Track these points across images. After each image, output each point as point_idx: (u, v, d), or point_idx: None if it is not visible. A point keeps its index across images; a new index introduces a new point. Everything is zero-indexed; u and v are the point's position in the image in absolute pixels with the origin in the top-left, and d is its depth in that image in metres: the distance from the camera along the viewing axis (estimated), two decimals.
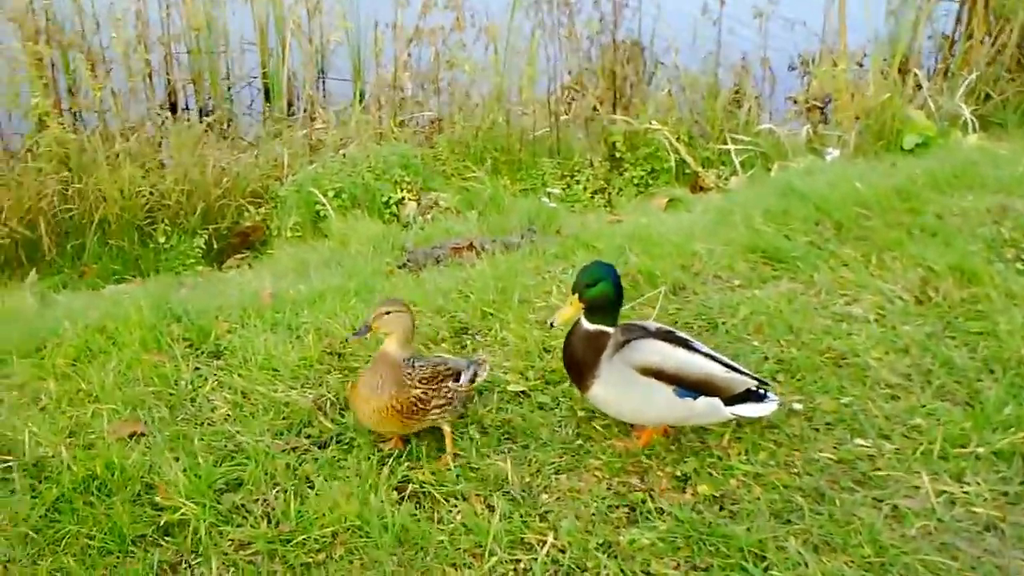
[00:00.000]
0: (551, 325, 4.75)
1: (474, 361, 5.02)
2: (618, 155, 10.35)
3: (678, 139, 10.26)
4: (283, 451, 4.81)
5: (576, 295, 4.60)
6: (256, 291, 6.36)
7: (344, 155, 9.85)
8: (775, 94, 12.35)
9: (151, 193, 9.40)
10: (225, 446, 4.87)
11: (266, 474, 4.65)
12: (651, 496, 4.55)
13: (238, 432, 4.95)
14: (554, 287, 6.15)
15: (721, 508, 4.49)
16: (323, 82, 12.85)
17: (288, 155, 10.14)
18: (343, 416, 5.06)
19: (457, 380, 4.81)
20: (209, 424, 5.06)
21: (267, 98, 12.45)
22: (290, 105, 12.16)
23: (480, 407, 5.07)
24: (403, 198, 9.36)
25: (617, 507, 4.50)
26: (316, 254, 7.93)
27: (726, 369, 4.66)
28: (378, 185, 9.36)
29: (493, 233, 7.90)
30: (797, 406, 5.05)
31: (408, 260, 7.24)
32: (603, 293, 4.59)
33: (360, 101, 11.42)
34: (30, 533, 4.37)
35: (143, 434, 4.96)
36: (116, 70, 11.15)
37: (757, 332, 5.69)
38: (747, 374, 4.71)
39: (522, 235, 7.46)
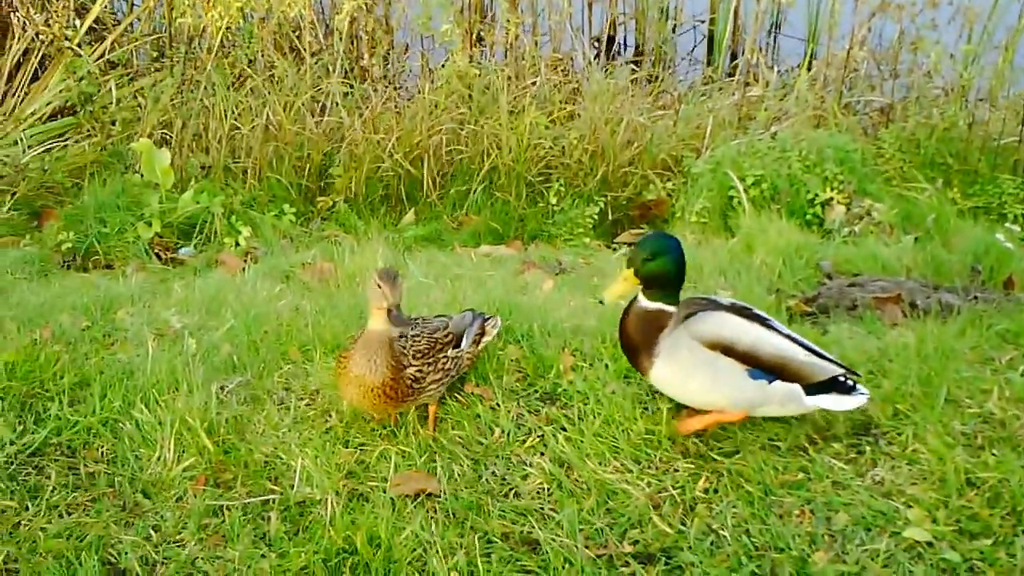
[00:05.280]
0: (601, 302, 4.28)
1: (479, 315, 4.56)
2: None
3: None
4: (593, 561, 3.71)
5: (631, 270, 4.11)
6: (619, 310, 5.23)
7: (774, 135, 8.51)
8: None
9: (551, 147, 8.42)
10: (524, 534, 3.82)
11: None
12: None
13: (544, 518, 3.89)
14: (995, 388, 4.67)
15: None
16: (775, 38, 11.54)
17: (713, 123, 8.89)
18: (685, 523, 3.90)
19: (458, 345, 4.33)
20: (515, 496, 4.03)
21: (710, 47, 11.27)
22: (734, 57, 10.91)
23: (860, 553, 3.75)
24: (831, 199, 7.96)
25: None
26: (714, 256, 6.73)
27: (808, 353, 4.12)
28: (805, 179, 7.99)
29: (929, 268, 6.44)
30: None
31: (820, 294, 5.93)
32: (663, 269, 4.09)
33: (808, 67, 10.01)
34: None
35: (433, 495, 3.98)
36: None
37: None
38: (833, 360, 4.16)
39: (963, 288, 5.96)
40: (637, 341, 4.14)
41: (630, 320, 4.18)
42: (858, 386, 4.19)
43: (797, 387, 4.09)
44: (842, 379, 4.16)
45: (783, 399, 4.12)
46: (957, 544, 3.79)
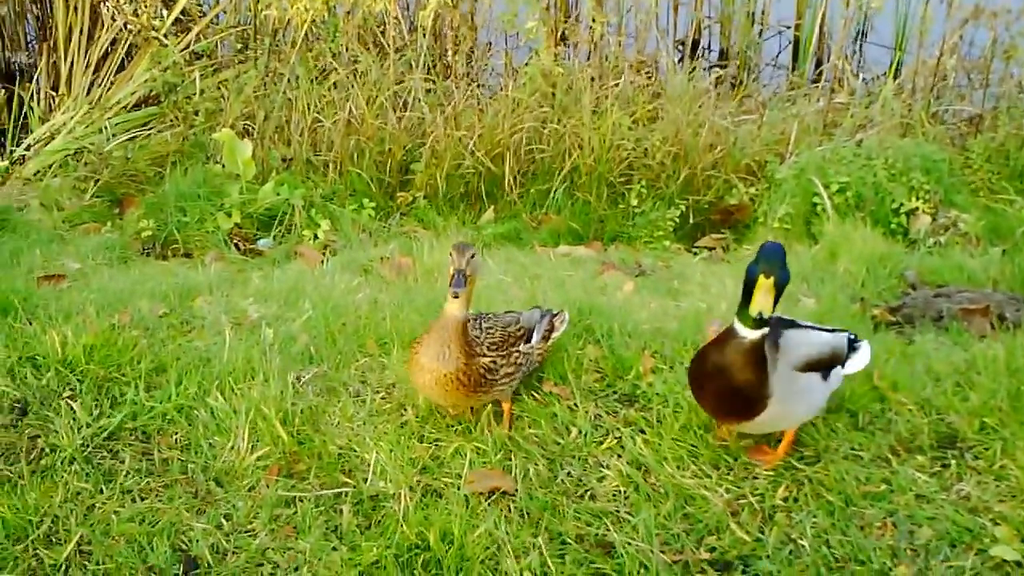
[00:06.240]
0: (760, 317, 3.59)
1: (547, 312, 4.49)
2: None
3: None
4: (669, 566, 3.63)
5: (771, 279, 3.56)
6: (700, 313, 5.16)
7: (860, 142, 8.35)
8: None
9: (633, 148, 8.33)
10: (598, 536, 3.75)
11: None
12: None
13: (620, 521, 3.83)
14: None
15: None
16: (860, 45, 11.35)
17: (797, 129, 8.73)
18: (763, 531, 3.80)
19: (528, 340, 4.24)
20: (590, 498, 3.96)
21: (795, 53, 11.11)
22: (819, 64, 10.73)
23: (944, 569, 3.64)
24: (916, 209, 7.78)
25: None
26: (797, 263, 6.60)
27: (832, 332, 4.10)
28: (891, 187, 7.81)
29: (1017, 282, 6.25)
30: None
31: (904, 304, 5.80)
32: (787, 280, 3.64)
33: (895, 76, 9.82)
34: None
35: (508, 493, 3.92)
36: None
37: None
38: (838, 329, 4.18)
39: None
40: (749, 384, 3.74)
41: (733, 358, 3.71)
42: (856, 338, 4.24)
43: (839, 368, 4.09)
44: (852, 339, 4.21)
45: (836, 385, 4.13)
46: None
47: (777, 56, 11.51)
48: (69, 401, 4.32)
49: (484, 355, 4.04)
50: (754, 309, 3.59)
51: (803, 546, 3.75)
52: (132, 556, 3.64)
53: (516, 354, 4.16)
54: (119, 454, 4.13)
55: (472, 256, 3.84)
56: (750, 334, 3.69)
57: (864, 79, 10.09)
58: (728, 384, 3.76)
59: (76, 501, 3.88)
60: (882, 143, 8.25)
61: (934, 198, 7.82)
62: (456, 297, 3.88)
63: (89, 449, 4.13)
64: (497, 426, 4.24)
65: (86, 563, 3.63)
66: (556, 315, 4.56)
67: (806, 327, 4.08)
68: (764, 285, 3.56)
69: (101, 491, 3.94)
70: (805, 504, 3.94)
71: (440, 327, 3.94)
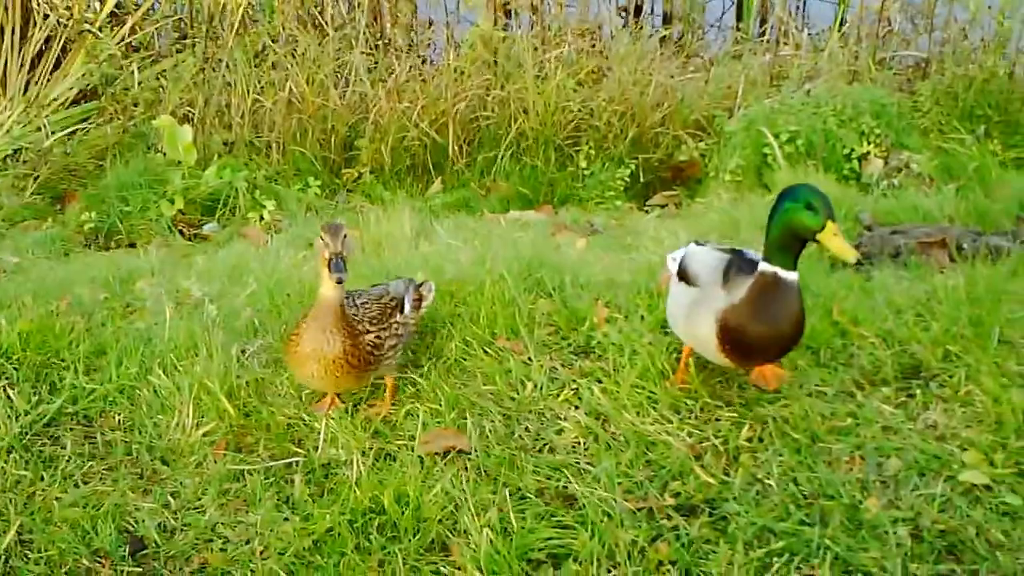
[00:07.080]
0: (859, 263, 3.72)
1: (411, 281, 4.35)
2: None
3: None
4: (633, 514, 3.52)
5: (835, 222, 3.55)
6: (654, 265, 5.05)
7: (808, 91, 8.26)
8: None
9: (579, 110, 8.22)
10: (559, 489, 3.64)
11: (603, 547, 3.37)
12: None
13: (581, 472, 3.71)
14: None
15: None
16: (804, 2, 11.27)
17: (744, 82, 8.65)
18: (728, 473, 3.70)
19: (402, 310, 4.09)
20: (549, 451, 3.85)
21: (739, 14, 11.03)
22: (764, 22, 10.65)
23: (914, 498, 3.55)
24: (868, 153, 7.71)
25: None
26: (751, 212, 6.52)
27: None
28: (841, 133, 7.74)
29: (972, 218, 6.19)
30: None
31: (862, 243, 5.71)
32: None
33: (840, 28, 9.75)
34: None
35: (464, 452, 3.81)
36: None
37: None
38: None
39: (1011, 232, 5.73)
40: (803, 319, 3.67)
41: (793, 301, 3.62)
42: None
43: None
44: None
45: None
46: (1017, 487, 3.58)
47: (721, 17, 11.42)
48: (5, 389, 4.18)
49: (367, 331, 3.88)
50: (850, 255, 3.55)
51: (770, 485, 3.65)
52: (76, 541, 3.50)
53: (396, 325, 4.01)
54: (60, 439, 4.00)
55: (345, 236, 3.68)
56: (792, 275, 3.61)
57: (809, 33, 10.01)
58: (798, 327, 3.68)
59: (15, 490, 3.74)
60: (830, 91, 8.18)
61: (885, 142, 7.76)
62: (341, 282, 3.70)
63: (28, 436, 3.99)
64: (379, 403, 4.12)
65: (28, 552, 3.49)
66: (421, 284, 4.40)
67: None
68: (837, 230, 3.54)
69: (42, 478, 3.80)
70: (770, 443, 3.83)
71: (316, 313, 3.78)
